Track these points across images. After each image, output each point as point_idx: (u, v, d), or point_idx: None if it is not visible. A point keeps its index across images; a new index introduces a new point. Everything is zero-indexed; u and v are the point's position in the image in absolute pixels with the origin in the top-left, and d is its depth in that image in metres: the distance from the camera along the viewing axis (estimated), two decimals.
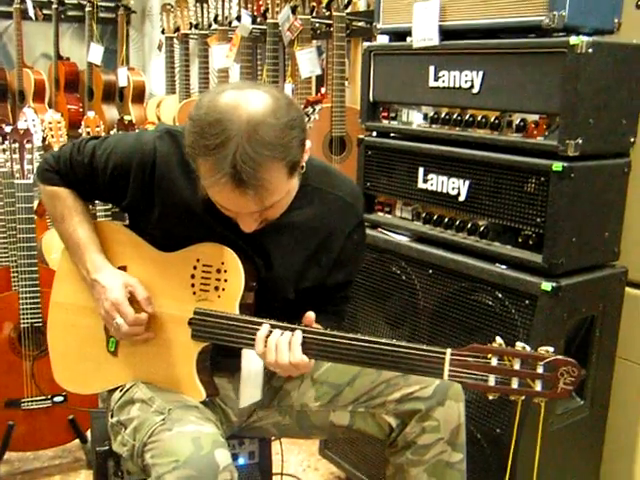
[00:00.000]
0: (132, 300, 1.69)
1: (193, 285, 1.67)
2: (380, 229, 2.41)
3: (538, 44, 1.88)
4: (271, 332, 1.57)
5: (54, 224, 1.85)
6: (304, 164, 1.55)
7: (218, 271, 1.65)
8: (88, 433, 2.72)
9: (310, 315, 1.60)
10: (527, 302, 1.93)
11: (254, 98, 1.42)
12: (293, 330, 1.58)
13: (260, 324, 1.59)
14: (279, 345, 1.56)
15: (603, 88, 1.84)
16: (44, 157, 1.85)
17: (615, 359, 2.20)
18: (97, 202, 2.76)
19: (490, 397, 1.51)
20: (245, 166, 1.37)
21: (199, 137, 1.41)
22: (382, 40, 2.49)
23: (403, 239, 2.31)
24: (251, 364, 1.65)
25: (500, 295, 1.99)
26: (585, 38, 1.76)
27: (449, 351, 1.51)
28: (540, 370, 1.46)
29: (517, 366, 1.47)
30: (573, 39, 1.77)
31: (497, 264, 2.02)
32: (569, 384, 1.45)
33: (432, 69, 2.16)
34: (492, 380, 1.49)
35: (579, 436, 2.17)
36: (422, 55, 2.19)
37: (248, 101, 1.41)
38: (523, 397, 1.50)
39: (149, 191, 1.67)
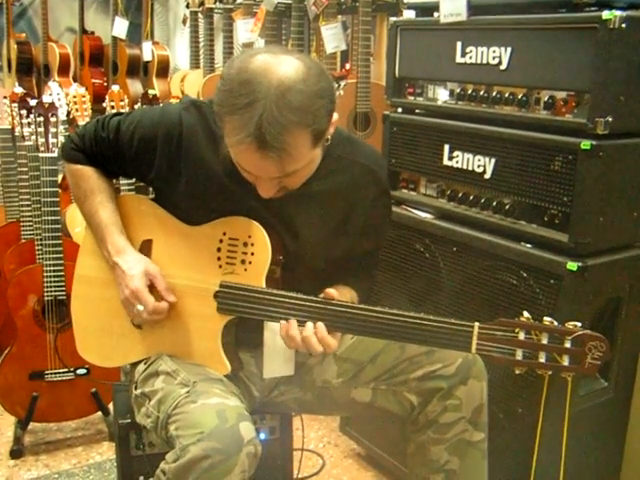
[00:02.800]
0: (152, 288, 1.69)
1: (219, 258, 1.68)
2: (404, 206, 2.39)
3: (569, 19, 1.84)
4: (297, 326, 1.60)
5: (77, 203, 1.86)
6: (329, 136, 1.54)
7: (245, 244, 1.65)
8: (110, 406, 2.75)
9: (330, 291, 1.60)
10: (552, 282, 1.91)
11: (286, 63, 1.42)
12: (320, 307, 1.58)
13: (286, 297, 1.60)
14: (308, 340, 1.58)
15: (636, 64, 1.81)
16: (68, 136, 1.86)
17: None
18: (121, 177, 2.76)
19: (517, 371, 1.52)
20: (270, 128, 1.37)
21: (228, 95, 1.41)
22: (409, 15, 2.46)
23: (427, 216, 2.30)
24: (277, 337, 1.65)
25: (525, 274, 1.98)
26: (618, 12, 1.72)
27: (477, 324, 1.52)
28: (568, 345, 1.46)
29: (545, 340, 1.48)
30: (605, 14, 1.73)
31: (522, 243, 2.00)
32: (597, 359, 1.45)
33: (459, 45, 2.13)
34: (520, 354, 1.50)
35: (603, 418, 2.16)
36: (449, 31, 2.15)
37: (280, 65, 1.41)
38: (550, 372, 1.50)
39: (176, 162, 1.67)
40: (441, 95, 2.27)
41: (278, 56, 1.44)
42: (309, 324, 1.58)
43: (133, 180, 2.82)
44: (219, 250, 1.68)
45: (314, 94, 1.42)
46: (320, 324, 1.58)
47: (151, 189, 1.84)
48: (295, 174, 1.49)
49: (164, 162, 1.68)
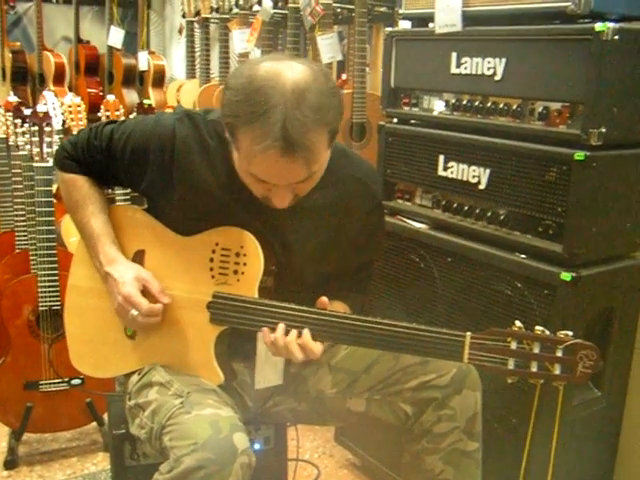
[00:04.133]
0: (146, 293, 1.69)
1: (212, 269, 1.67)
2: (399, 216, 2.40)
3: (562, 31, 1.86)
4: (278, 335, 1.59)
5: (69, 212, 1.85)
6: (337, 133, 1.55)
7: (237, 255, 1.65)
8: (105, 416, 2.74)
9: (324, 300, 1.61)
10: (546, 292, 1.91)
11: (293, 67, 1.43)
12: (312, 318, 1.58)
13: (279, 307, 1.60)
14: (289, 347, 1.58)
15: (628, 76, 1.82)
16: (61, 144, 1.85)
17: (634, 351, 2.18)
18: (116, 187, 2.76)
19: (509, 381, 1.52)
20: (295, 130, 1.37)
21: (243, 105, 1.40)
22: (404, 26, 2.47)
23: (422, 227, 2.30)
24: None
25: (519, 285, 1.98)
26: (611, 24, 1.73)
27: (469, 334, 1.52)
28: (559, 354, 1.47)
29: (536, 350, 1.48)
30: (599, 25, 1.74)
31: (517, 253, 2.01)
32: (588, 368, 1.45)
33: (454, 55, 2.14)
34: (511, 363, 1.50)
35: (595, 427, 2.16)
36: (444, 41, 2.17)
37: (288, 69, 1.42)
38: (542, 381, 1.50)
39: (168, 173, 1.66)
40: (436, 106, 2.27)
41: (282, 61, 1.45)
42: (293, 331, 1.58)
43: (129, 190, 2.82)
44: (212, 260, 1.68)
45: (328, 92, 1.44)
46: (305, 331, 1.57)
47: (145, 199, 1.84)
48: (310, 178, 1.49)
49: (156, 173, 1.68)
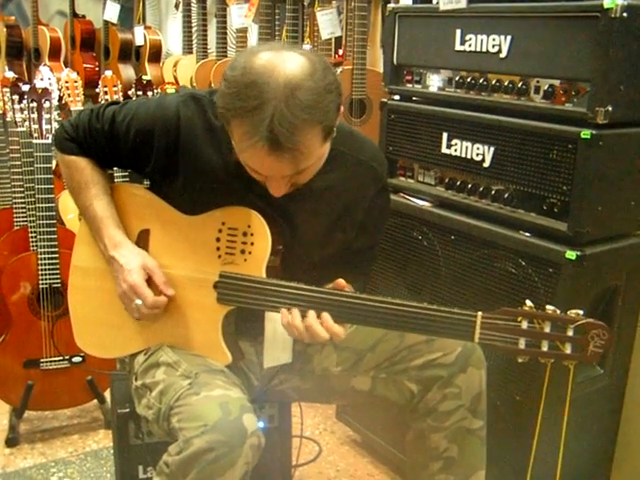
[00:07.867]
0: (150, 283, 1.68)
1: (218, 249, 1.66)
2: (402, 194, 2.39)
3: (570, 8, 1.83)
4: (300, 316, 1.56)
5: (71, 195, 1.83)
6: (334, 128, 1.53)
7: (244, 234, 1.64)
8: (106, 393, 2.74)
9: (341, 281, 1.59)
10: (551, 270, 1.91)
11: (291, 60, 1.39)
12: (321, 297, 1.57)
13: (287, 287, 1.59)
14: (311, 329, 1.55)
15: (636, 54, 1.80)
16: (61, 125, 1.81)
17: (637, 329, 2.19)
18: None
19: (520, 360, 1.52)
20: (282, 129, 1.35)
21: (235, 99, 1.38)
22: (406, 2, 2.45)
23: (425, 204, 2.30)
24: (277, 326, 1.65)
25: (523, 263, 1.98)
26: (620, 1, 1.71)
27: (480, 314, 1.51)
28: (570, 333, 1.47)
29: (547, 329, 1.48)
30: (607, 2, 1.72)
31: (521, 231, 2.00)
32: (599, 347, 1.46)
33: (459, 32, 2.12)
34: (522, 343, 1.50)
35: (597, 405, 2.17)
36: (448, 18, 2.14)
37: (285, 63, 1.38)
38: (552, 360, 1.50)
39: (173, 157, 1.65)
40: (440, 83, 2.26)
41: (281, 53, 1.41)
42: (311, 312, 1.56)
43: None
44: (218, 240, 1.66)
45: (323, 89, 1.39)
46: (325, 315, 1.55)
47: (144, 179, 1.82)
48: (306, 170, 1.48)
49: (161, 156, 1.66)
